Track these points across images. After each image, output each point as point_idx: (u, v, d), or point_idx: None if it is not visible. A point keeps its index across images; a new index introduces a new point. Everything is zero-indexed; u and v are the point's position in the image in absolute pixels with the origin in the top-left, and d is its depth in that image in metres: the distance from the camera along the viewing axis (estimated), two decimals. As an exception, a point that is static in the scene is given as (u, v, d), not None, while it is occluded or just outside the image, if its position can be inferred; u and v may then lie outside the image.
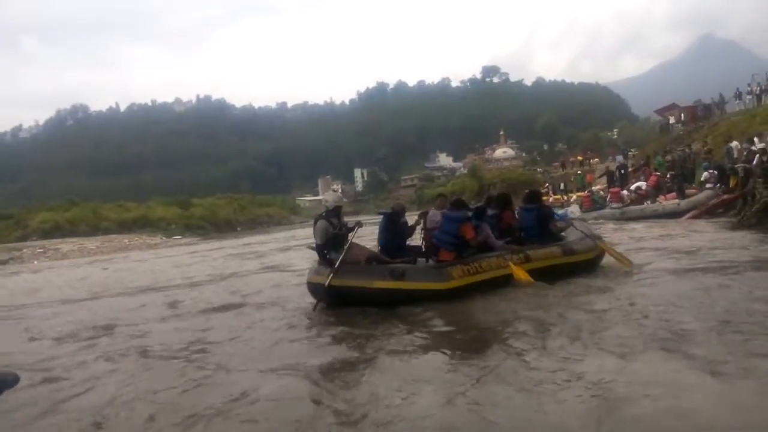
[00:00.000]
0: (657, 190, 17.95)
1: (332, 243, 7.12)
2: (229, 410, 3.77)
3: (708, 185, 16.63)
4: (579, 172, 29.91)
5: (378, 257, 7.35)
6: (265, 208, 59.52)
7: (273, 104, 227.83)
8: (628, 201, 17.67)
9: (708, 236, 10.99)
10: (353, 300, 6.77)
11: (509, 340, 4.95)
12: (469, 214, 7.44)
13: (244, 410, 3.77)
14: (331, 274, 6.75)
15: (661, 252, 9.64)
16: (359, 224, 7.38)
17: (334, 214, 7.31)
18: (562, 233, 8.45)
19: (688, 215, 15.43)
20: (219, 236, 37.59)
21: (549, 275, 7.15)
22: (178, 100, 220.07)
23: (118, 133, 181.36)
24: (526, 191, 9.80)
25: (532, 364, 4.23)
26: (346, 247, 7.00)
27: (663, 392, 3.42)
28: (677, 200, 16.73)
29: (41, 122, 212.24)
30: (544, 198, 16.28)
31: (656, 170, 20.54)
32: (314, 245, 7.26)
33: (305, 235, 28.34)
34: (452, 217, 7.26)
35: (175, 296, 9.70)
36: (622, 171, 21.61)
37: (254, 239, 30.20)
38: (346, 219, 7.54)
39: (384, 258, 7.34)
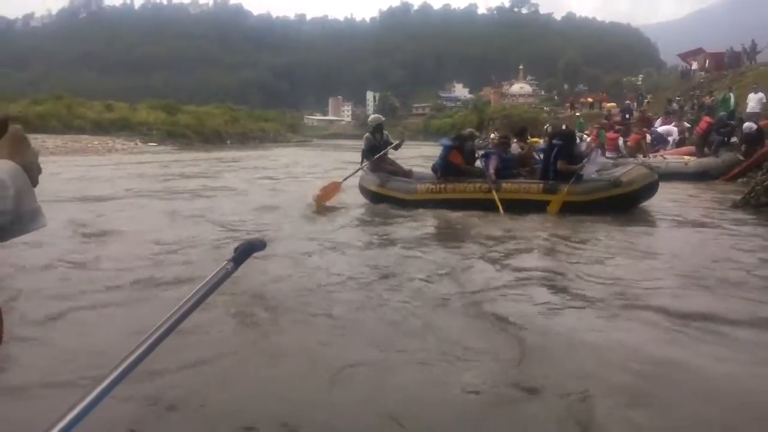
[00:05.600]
0: (636, 149, 15.12)
1: (373, 153, 9.27)
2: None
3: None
4: (578, 114, 27.35)
5: (397, 170, 9.38)
6: (261, 123, 56.92)
7: (291, 15, 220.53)
8: (625, 152, 15.18)
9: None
10: (367, 197, 9.16)
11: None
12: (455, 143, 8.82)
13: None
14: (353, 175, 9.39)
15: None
16: (401, 142, 9.90)
17: (378, 129, 9.47)
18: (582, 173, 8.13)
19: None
20: (202, 148, 35.59)
21: (520, 208, 7.82)
22: (194, 2, 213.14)
23: (130, 31, 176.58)
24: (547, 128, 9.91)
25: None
26: (378, 155, 9.21)
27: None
28: (686, 159, 14.05)
29: (54, 11, 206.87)
30: (534, 140, 13.75)
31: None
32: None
33: (289, 158, 27.24)
34: (444, 144, 8.96)
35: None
36: (627, 117, 19.12)
37: (228, 155, 28.23)
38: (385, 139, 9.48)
39: (399, 172, 9.35)
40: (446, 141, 9.12)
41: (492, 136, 25.56)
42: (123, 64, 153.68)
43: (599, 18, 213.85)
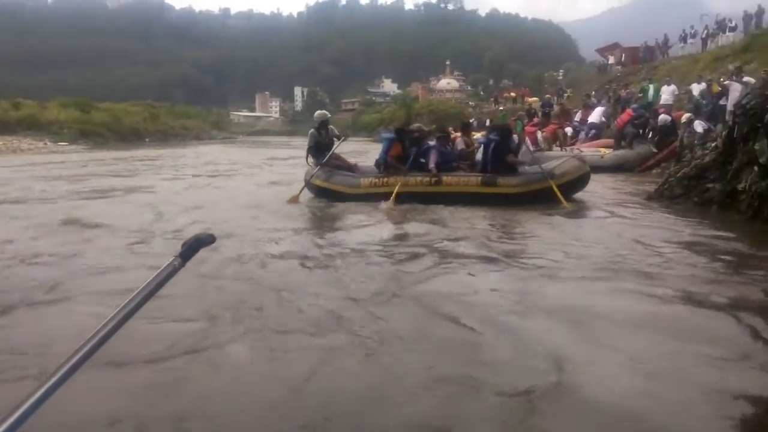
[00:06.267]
0: (552, 140, 15.34)
1: (317, 149, 9.43)
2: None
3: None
4: (501, 109, 27.84)
5: (342, 165, 9.56)
6: (183, 120, 54.77)
7: (215, 9, 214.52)
8: (543, 144, 15.30)
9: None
10: (312, 191, 9.32)
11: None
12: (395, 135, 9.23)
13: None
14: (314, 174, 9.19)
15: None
16: (344, 138, 9.94)
17: (323, 125, 9.59)
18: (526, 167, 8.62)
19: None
20: (118, 147, 33.75)
21: (464, 201, 8.04)
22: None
23: (42, 25, 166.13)
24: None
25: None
26: (329, 154, 9.34)
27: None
28: (602, 151, 14.27)
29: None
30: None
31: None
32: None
33: (211, 155, 26.19)
34: (385, 138, 9.48)
35: None
36: (546, 110, 19.49)
37: (143, 153, 26.83)
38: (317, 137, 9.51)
39: (343, 166, 9.54)
40: (387, 134, 9.59)
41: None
42: (35, 60, 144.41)
43: (522, 14, 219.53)
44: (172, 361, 3.00)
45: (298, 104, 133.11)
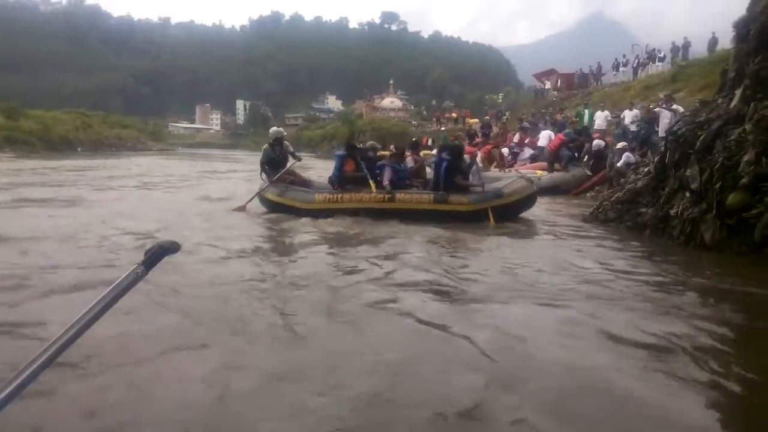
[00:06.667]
0: (488, 159, 15.69)
1: (271, 165, 9.61)
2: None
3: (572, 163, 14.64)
4: (443, 129, 28.34)
5: (296, 180, 9.70)
6: (118, 129, 52.85)
7: (155, 18, 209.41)
8: (480, 164, 15.48)
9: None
10: (266, 206, 9.46)
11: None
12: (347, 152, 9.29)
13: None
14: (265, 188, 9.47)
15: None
16: (298, 158, 10.34)
17: (278, 142, 9.74)
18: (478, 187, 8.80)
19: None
20: (49, 156, 32.09)
21: (416, 218, 8.29)
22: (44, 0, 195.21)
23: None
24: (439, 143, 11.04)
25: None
26: (281, 171, 9.55)
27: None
28: (539, 173, 14.65)
29: None
30: (426, 152, 13.88)
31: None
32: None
33: (143, 167, 25.30)
34: (338, 155, 9.41)
35: None
36: (486, 131, 19.91)
37: (75, 163, 25.67)
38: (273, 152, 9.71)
39: (297, 181, 9.68)
40: (340, 151, 9.58)
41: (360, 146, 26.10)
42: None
43: (464, 38, 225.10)
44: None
45: (240, 117, 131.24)
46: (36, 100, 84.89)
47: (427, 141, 24.65)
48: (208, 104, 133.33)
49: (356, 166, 9.12)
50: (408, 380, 2.96)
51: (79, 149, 40.28)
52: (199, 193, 13.14)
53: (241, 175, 19.64)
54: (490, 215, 8.33)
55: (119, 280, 0.94)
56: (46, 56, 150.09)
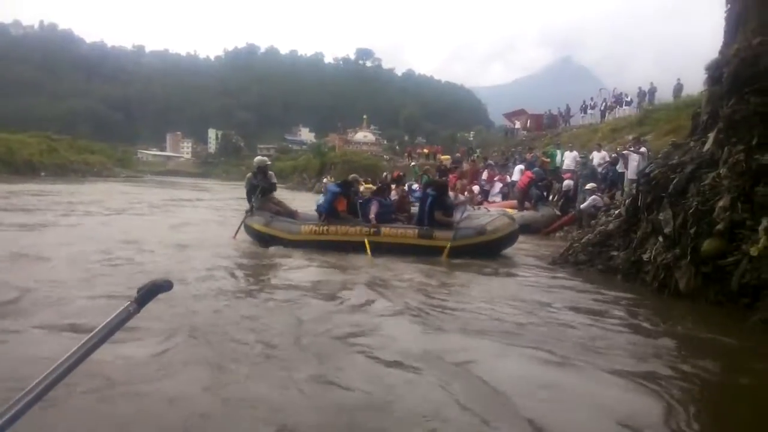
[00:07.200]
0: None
1: (254, 194, 9.69)
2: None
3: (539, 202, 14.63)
4: (414, 164, 28.47)
5: (281, 210, 9.78)
6: (86, 154, 51.72)
7: (129, 45, 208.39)
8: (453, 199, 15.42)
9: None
10: (252, 236, 9.42)
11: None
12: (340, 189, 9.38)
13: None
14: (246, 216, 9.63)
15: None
16: (272, 189, 10.10)
17: (260, 172, 9.81)
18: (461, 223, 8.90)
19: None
20: (10, 180, 30.99)
21: (399, 252, 8.45)
22: (17, 23, 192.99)
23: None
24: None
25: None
26: (262, 198, 9.69)
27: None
28: (510, 212, 14.54)
29: None
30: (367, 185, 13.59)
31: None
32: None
33: (99, 195, 24.49)
34: (332, 190, 9.45)
35: None
36: (456, 166, 19.97)
37: (38, 188, 24.83)
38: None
39: (284, 212, 9.75)
40: (334, 187, 9.66)
41: (325, 180, 26.46)
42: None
43: (437, 77, 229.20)
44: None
45: (212, 146, 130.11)
46: (2, 123, 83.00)
47: (398, 175, 24.56)
48: (179, 132, 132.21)
49: (348, 206, 9.26)
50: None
51: (42, 174, 39.25)
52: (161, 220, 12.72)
53: (207, 203, 19.24)
54: (446, 252, 8.49)
55: (111, 317, 0.92)
56: (15, 79, 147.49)
